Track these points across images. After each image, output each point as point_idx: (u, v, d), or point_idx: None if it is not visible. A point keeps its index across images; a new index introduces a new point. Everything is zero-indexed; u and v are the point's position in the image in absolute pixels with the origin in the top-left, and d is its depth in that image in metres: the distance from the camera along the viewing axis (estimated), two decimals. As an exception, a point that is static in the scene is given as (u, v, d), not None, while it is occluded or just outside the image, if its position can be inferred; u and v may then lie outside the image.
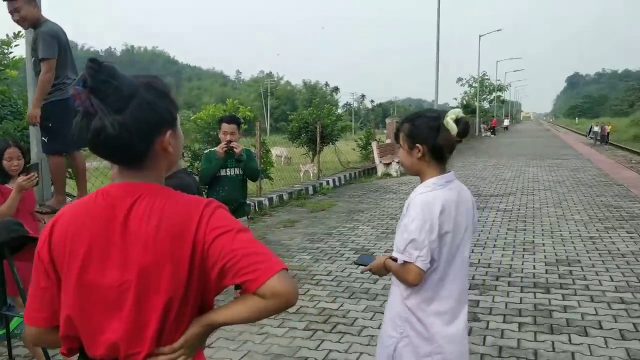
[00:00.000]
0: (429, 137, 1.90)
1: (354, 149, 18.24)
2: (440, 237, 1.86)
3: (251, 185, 9.65)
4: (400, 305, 1.94)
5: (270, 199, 9.55)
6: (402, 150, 1.99)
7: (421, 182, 1.97)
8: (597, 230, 6.97)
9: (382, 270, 2.04)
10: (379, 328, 3.49)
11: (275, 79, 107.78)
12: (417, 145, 1.91)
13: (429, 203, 1.86)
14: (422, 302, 1.90)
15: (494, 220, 7.85)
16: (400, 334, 1.92)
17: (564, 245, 6.21)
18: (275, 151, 20.89)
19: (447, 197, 1.89)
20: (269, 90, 79.02)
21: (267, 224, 8.12)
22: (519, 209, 8.71)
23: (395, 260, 1.94)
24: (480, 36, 41.34)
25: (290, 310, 4.28)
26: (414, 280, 1.85)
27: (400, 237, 1.88)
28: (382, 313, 4.17)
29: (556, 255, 5.81)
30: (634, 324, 3.83)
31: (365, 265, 2.13)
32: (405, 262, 1.86)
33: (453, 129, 1.86)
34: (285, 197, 10.08)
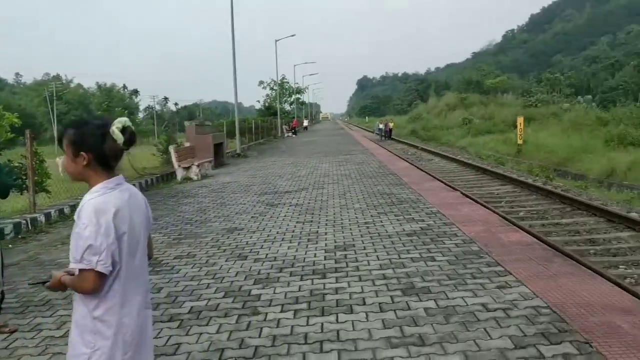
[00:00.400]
0: (95, 146, 1.88)
1: (154, 154, 17.42)
2: (118, 238, 1.86)
3: (22, 201, 8.57)
4: (88, 319, 1.89)
5: (48, 215, 8.55)
6: (66, 157, 1.94)
7: (89, 188, 1.94)
8: (372, 215, 7.76)
9: (60, 286, 1.95)
10: (156, 338, 3.38)
11: (64, 82, 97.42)
12: (82, 153, 1.88)
13: (101, 207, 1.84)
14: (113, 306, 1.89)
15: (285, 215, 8.21)
16: (92, 349, 1.88)
17: (342, 233, 6.77)
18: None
19: (119, 199, 1.91)
20: (54, 94, 71.03)
21: (43, 242, 7.26)
22: (309, 203, 9.26)
23: (72, 273, 1.88)
24: (276, 40, 43.00)
25: (56, 334, 3.89)
26: (94, 285, 1.83)
27: (75, 245, 1.83)
28: (164, 322, 4.03)
29: (335, 242, 6.30)
30: (391, 297, 4.33)
31: (44, 284, 2.01)
32: (83, 270, 1.80)
33: (119, 138, 1.88)
34: (67, 210, 9.12)
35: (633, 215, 9.44)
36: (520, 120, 27.09)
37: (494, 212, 8.33)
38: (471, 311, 3.92)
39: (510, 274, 4.72)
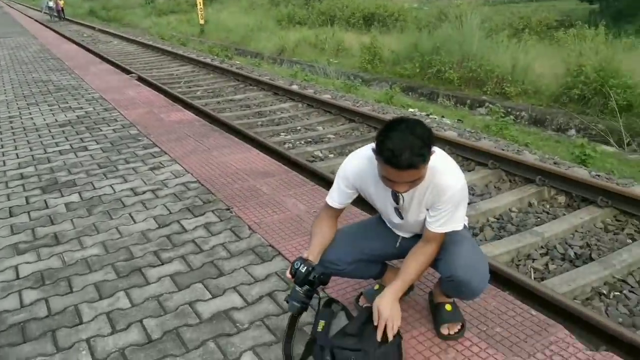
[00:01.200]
0: None
1: None
2: None
3: None
4: None
5: None
6: None
7: None
8: (19, 108, 6.57)
9: None
10: None
11: None
12: None
13: None
14: None
15: None
16: None
17: (-24, 132, 5.56)
18: None
19: None
20: None
21: None
22: None
23: None
24: None
25: None
26: None
27: None
28: None
29: (-37, 144, 5.13)
30: (27, 197, 3.74)
31: None
32: None
33: None
34: None
35: (294, 87, 10.48)
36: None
37: (164, 92, 8.07)
38: (118, 198, 3.67)
39: (166, 153, 4.62)
